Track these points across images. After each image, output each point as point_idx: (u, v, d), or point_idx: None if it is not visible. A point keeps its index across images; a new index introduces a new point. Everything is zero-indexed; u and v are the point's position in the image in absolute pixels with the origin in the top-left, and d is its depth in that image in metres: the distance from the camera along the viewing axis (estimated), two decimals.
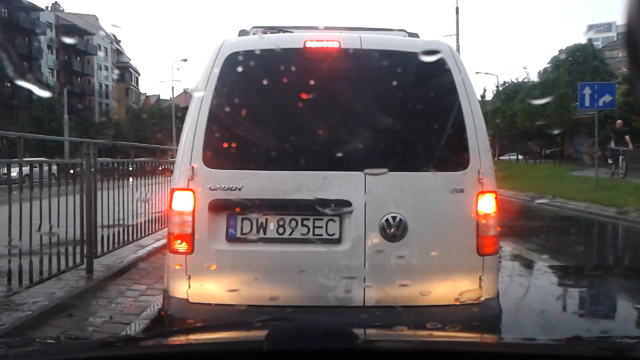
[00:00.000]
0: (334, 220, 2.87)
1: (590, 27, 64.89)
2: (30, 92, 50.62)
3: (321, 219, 2.87)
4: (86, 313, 4.41)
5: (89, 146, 5.74)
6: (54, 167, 5.57)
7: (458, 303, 2.90)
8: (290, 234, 2.87)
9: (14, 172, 4.38)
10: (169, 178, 5.87)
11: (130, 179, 7.10)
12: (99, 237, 5.75)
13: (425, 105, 3.03)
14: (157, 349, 1.49)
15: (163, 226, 7.27)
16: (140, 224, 6.95)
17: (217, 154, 2.89)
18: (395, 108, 3.02)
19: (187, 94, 54.49)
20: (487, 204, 2.92)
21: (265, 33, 3.32)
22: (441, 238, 2.89)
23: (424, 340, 1.58)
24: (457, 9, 26.04)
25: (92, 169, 5.64)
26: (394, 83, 3.04)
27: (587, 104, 15.62)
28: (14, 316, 4.00)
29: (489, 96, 47.36)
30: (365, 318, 2.77)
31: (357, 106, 2.97)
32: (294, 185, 2.85)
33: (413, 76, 3.07)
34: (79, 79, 61.33)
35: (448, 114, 2.92)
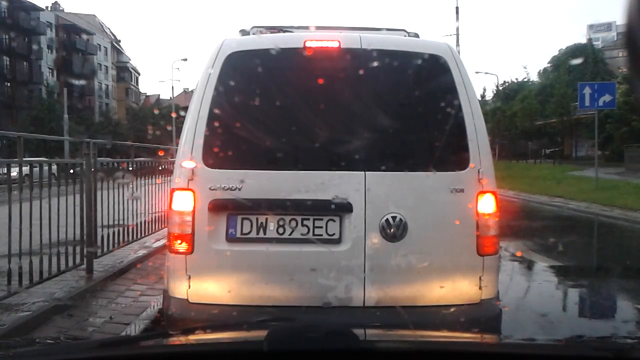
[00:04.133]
0: (333, 220, 2.87)
1: (591, 27, 64.82)
2: (30, 92, 50.94)
3: (321, 219, 2.87)
4: (86, 313, 4.41)
5: (89, 146, 5.74)
6: (54, 167, 5.56)
7: (458, 303, 2.89)
8: (290, 234, 2.87)
9: (14, 172, 4.37)
10: (168, 178, 5.87)
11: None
12: (99, 237, 5.75)
13: (425, 105, 3.03)
14: (157, 349, 1.49)
15: (163, 226, 7.27)
16: (140, 223, 6.96)
17: (217, 154, 2.88)
18: (395, 108, 3.02)
19: (187, 94, 54.48)
20: (487, 204, 2.91)
21: (265, 33, 3.31)
22: (441, 238, 2.89)
23: (424, 340, 1.58)
24: (457, 8, 26.26)
25: (92, 169, 5.64)
26: (394, 83, 3.04)
27: (587, 103, 15.67)
28: (14, 316, 4.00)
29: (489, 96, 47.54)
30: (365, 318, 2.77)
31: (357, 106, 2.96)
32: (294, 185, 2.85)
33: (413, 76, 3.07)
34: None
35: (448, 113, 2.91)
